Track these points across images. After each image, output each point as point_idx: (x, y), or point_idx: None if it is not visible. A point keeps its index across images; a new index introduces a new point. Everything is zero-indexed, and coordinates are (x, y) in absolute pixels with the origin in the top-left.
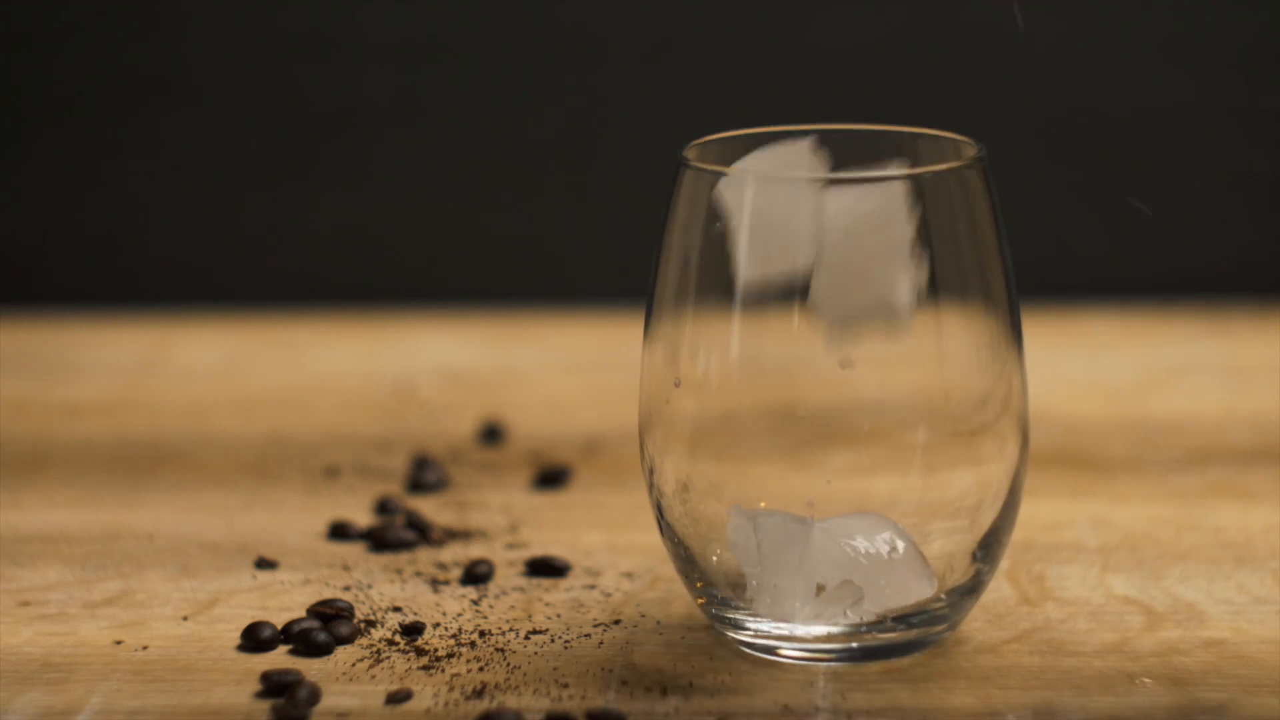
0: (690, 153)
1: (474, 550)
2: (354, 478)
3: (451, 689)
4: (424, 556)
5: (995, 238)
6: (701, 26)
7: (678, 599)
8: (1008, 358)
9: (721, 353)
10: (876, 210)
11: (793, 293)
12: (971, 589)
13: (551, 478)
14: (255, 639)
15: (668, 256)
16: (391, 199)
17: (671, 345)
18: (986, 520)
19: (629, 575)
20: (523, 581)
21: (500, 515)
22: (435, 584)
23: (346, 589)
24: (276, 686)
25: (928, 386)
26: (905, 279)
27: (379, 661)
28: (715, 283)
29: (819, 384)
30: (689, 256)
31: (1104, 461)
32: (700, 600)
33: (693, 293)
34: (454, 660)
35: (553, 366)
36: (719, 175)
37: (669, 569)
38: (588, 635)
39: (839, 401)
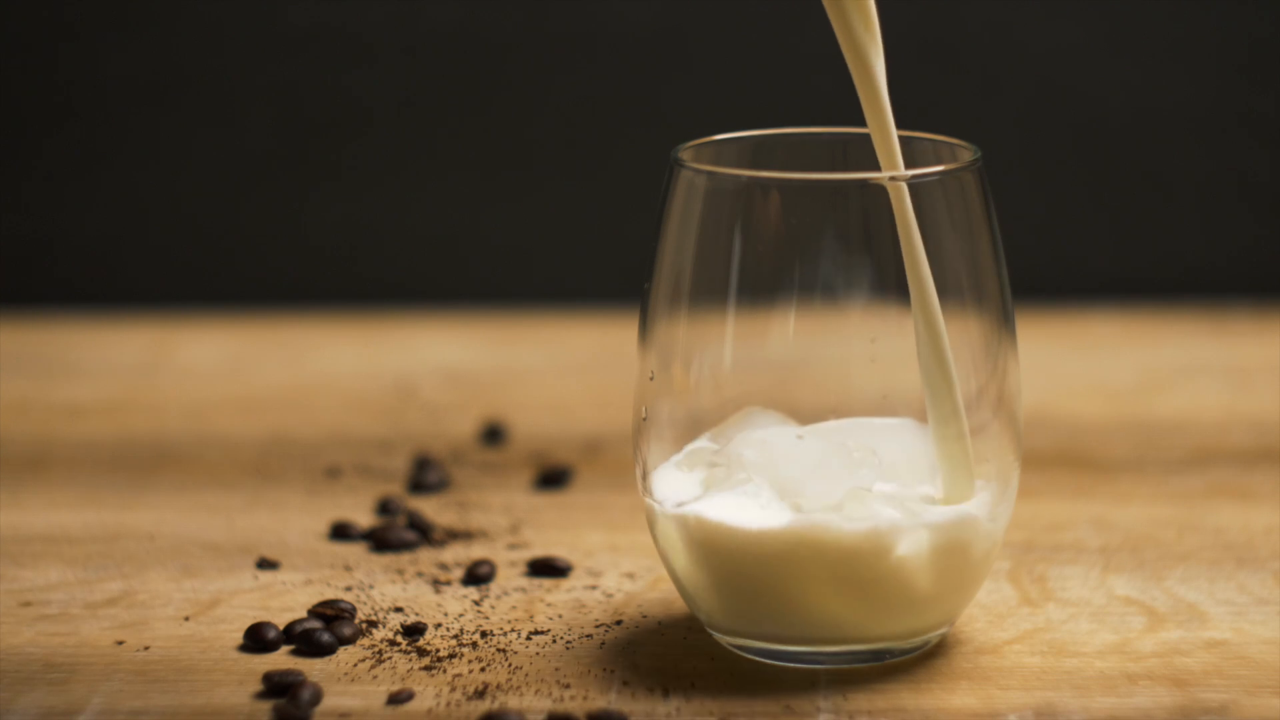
0: (685, 154)
1: (475, 551)
2: (355, 478)
3: (453, 689)
4: (425, 557)
5: (990, 241)
6: (701, 28)
7: (679, 599)
8: (1001, 360)
9: (715, 354)
10: None
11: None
12: None
13: (553, 478)
14: (259, 639)
15: (661, 258)
16: (392, 199)
17: (665, 347)
18: None
19: (630, 576)
20: (524, 582)
21: (501, 516)
22: (437, 584)
23: (348, 589)
24: (278, 687)
25: (921, 388)
26: None
27: (380, 662)
28: (709, 284)
29: (812, 386)
30: (682, 258)
31: (1105, 462)
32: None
33: (687, 295)
34: (455, 661)
35: (553, 366)
36: (712, 175)
37: None
38: (589, 636)
39: (832, 404)
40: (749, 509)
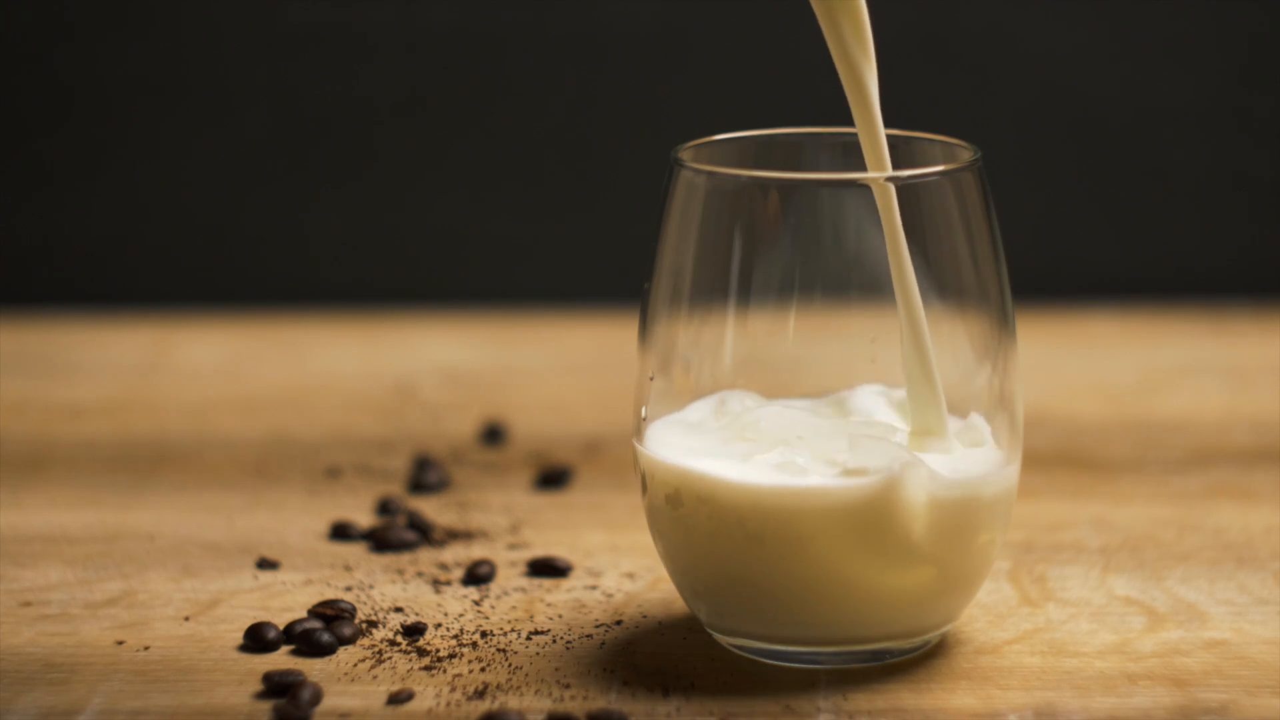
0: (685, 154)
1: (475, 551)
2: (355, 478)
3: (453, 689)
4: (425, 557)
5: (990, 241)
6: (702, 28)
7: (679, 599)
8: (1001, 360)
9: (715, 354)
10: None
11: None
12: None
13: (553, 478)
14: (260, 639)
15: (661, 258)
16: (391, 199)
17: (665, 347)
18: None
19: (630, 576)
20: (524, 582)
21: (501, 516)
22: (437, 584)
23: (348, 589)
24: (279, 687)
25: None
26: None
27: (380, 662)
28: (709, 284)
29: (812, 386)
30: (682, 258)
31: (1105, 462)
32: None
33: (687, 295)
34: (455, 661)
35: (553, 366)
36: (712, 175)
37: None
38: (589, 636)
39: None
40: (757, 465)
